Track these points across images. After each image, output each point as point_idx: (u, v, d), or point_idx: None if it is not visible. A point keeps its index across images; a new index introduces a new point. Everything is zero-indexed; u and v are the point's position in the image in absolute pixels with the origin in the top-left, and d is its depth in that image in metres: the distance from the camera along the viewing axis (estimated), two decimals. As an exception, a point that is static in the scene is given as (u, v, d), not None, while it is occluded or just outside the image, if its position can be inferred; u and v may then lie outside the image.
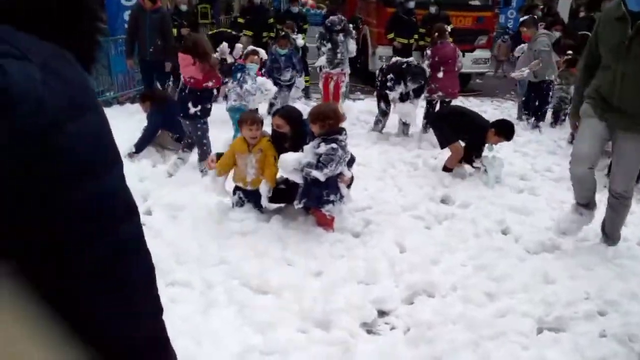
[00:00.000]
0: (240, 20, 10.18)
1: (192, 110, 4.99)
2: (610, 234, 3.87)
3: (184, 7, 9.51)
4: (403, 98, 6.52)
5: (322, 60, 7.81)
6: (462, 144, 5.46)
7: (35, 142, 0.47)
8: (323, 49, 7.78)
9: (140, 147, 5.42)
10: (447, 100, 6.93)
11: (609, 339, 2.88)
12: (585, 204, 3.80)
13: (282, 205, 4.31)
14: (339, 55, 7.71)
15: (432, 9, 9.92)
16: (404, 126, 6.99)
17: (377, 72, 6.92)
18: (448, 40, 6.95)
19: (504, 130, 5.27)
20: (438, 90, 6.83)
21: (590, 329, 2.97)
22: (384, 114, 6.98)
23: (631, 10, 3.07)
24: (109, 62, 7.90)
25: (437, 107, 6.93)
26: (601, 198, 3.94)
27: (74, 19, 0.59)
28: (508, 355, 2.68)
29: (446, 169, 5.51)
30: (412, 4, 9.74)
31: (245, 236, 3.85)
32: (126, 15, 8.31)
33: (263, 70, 6.87)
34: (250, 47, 6.72)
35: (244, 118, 4.14)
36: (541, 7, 17.72)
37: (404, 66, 6.50)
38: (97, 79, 7.70)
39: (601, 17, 3.52)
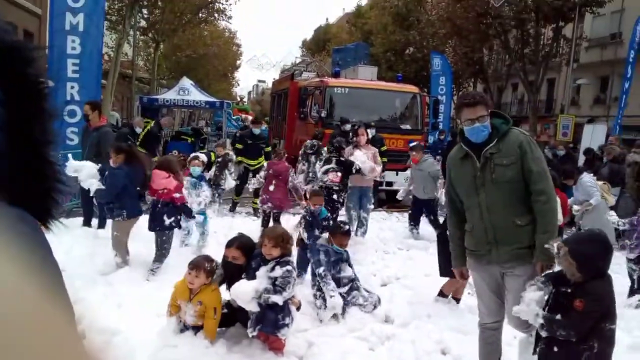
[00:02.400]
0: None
1: (167, 222, 5.52)
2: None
3: (139, 130, 10.19)
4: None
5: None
6: None
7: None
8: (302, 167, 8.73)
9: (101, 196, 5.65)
10: (275, 212, 7.60)
11: None
12: None
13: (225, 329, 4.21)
14: (310, 174, 8.49)
15: (372, 132, 10.67)
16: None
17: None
18: (283, 160, 8.00)
19: None
20: (268, 201, 7.52)
21: None
22: None
23: (473, 144, 3.23)
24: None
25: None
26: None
27: (37, 189, 0.67)
28: None
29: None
30: (348, 127, 10.46)
31: (185, 363, 3.69)
32: (69, 131, 8.39)
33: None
34: (192, 154, 7.42)
35: (191, 261, 4.06)
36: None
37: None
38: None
39: (449, 164, 3.55)
